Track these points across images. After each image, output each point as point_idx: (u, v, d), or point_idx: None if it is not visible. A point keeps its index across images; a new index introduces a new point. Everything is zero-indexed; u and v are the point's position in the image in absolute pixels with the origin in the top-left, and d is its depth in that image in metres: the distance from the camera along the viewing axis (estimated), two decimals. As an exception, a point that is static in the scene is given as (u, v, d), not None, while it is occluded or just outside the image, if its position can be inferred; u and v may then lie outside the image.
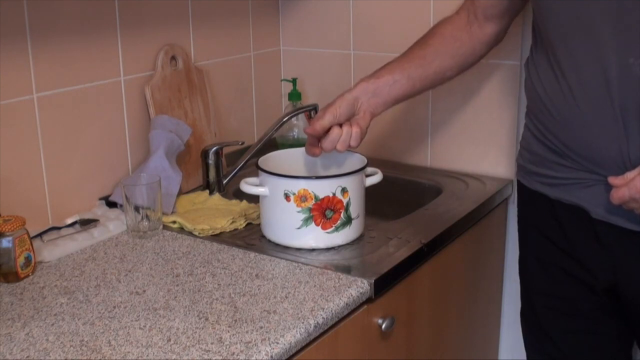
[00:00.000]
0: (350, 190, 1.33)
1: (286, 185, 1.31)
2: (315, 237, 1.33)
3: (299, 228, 1.32)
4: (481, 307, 1.74)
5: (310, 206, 1.31)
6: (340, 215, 1.33)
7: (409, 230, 1.43)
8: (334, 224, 1.33)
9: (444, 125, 1.79)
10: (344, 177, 1.32)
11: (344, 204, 1.32)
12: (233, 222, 1.45)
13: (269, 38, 1.94)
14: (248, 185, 1.36)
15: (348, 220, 1.34)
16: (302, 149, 1.44)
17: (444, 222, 1.48)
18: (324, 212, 1.31)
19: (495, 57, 1.65)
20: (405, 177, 1.78)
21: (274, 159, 1.43)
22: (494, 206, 1.66)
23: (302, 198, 1.30)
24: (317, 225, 1.32)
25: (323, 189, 1.30)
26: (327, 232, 1.33)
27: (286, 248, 1.35)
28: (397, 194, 1.75)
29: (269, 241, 1.38)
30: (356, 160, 1.41)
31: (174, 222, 1.46)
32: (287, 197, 1.31)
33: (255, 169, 1.37)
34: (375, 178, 1.40)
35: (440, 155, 1.81)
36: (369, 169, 1.39)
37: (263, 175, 1.35)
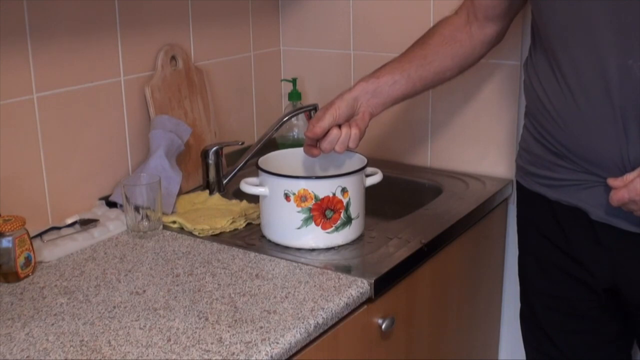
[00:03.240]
0: (350, 190, 1.33)
1: (286, 185, 1.31)
2: (315, 237, 1.33)
3: (299, 228, 1.32)
4: (481, 307, 1.74)
5: (311, 206, 1.31)
6: (340, 215, 1.33)
7: (409, 230, 1.43)
8: (334, 224, 1.33)
9: (444, 125, 1.79)
10: (344, 177, 1.32)
11: (344, 204, 1.32)
12: (233, 222, 1.44)
13: (269, 38, 1.94)
14: (248, 185, 1.36)
15: (348, 220, 1.34)
16: (302, 149, 1.44)
17: (444, 222, 1.48)
18: (324, 212, 1.31)
19: (495, 57, 1.65)
20: (405, 177, 1.78)
21: (274, 159, 1.43)
22: (494, 206, 1.66)
23: (302, 198, 1.30)
24: (317, 225, 1.32)
25: (323, 189, 1.30)
26: (327, 232, 1.33)
27: (286, 248, 1.35)
28: (397, 194, 1.75)
29: (269, 241, 1.38)
30: (356, 160, 1.41)
31: (174, 222, 1.46)
32: (287, 197, 1.31)
33: (255, 169, 1.37)
34: (375, 178, 1.40)
35: (440, 155, 1.81)
36: (369, 169, 1.39)
37: (263, 175, 1.35)
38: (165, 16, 1.62)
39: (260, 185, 1.36)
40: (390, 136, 1.86)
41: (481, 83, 1.71)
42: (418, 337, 1.45)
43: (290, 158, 1.47)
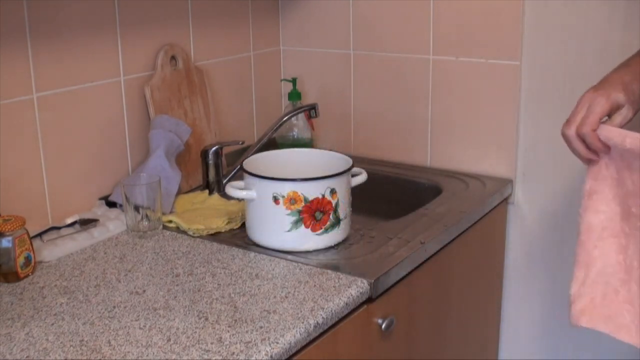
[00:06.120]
0: (338, 191, 1.32)
1: (275, 188, 1.29)
2: (305, 239, 1.32)
3: (288, 231, 1.31)
4: (481, 307, 1.74)
5: (300, 208, 1.30)
6: (329, 216, 1.32)
7: (409, 230, 1.43)
8: (324, 225, 1.32)
9: (444, 125, 1.79)
10: (333, 179, 1.31)
11: (333, 205, 1.32)
12: (229, 222, 1.44)
13: (269, 38, 1.94)
14: (235, 189, 1.33)
15: (337, 222, 1.33)
16: (280, 151, 1.40)
17: (444, 222, 1.48)
18: (313, 214, 1.30)
19: (495, 57, 1.65)
20: (405, 177, 1.78)
21: (256, 162, 1.40)
22: (494, 206, 1.66)
23: (291, 200, 1.29)
24: (307, 227, 1.31)
25: (313, 190, 1.29)
26: (317, 234, 1.32)
27: (286, 248, 1.34)
28: (397, 194, 1.75)
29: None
30: (341, 161, 1.39)
31: (170, 221, 1.46)
32: (276, 200, 1.30)
33: (254, 169, 1.36)
34: (361, 178, 1.39)
35: (440, 155, 1.81)
36: (354, 169, 1.38)
37: (250, 178, 1.33)
38: (165, 16, 1.62)
39: (246, 188, 1.34)
40: (390, 136, 1.86)
41: (481, 83, 1.71)
42: (418, 337, 1.45)
43: (272, 160, 1.44)
